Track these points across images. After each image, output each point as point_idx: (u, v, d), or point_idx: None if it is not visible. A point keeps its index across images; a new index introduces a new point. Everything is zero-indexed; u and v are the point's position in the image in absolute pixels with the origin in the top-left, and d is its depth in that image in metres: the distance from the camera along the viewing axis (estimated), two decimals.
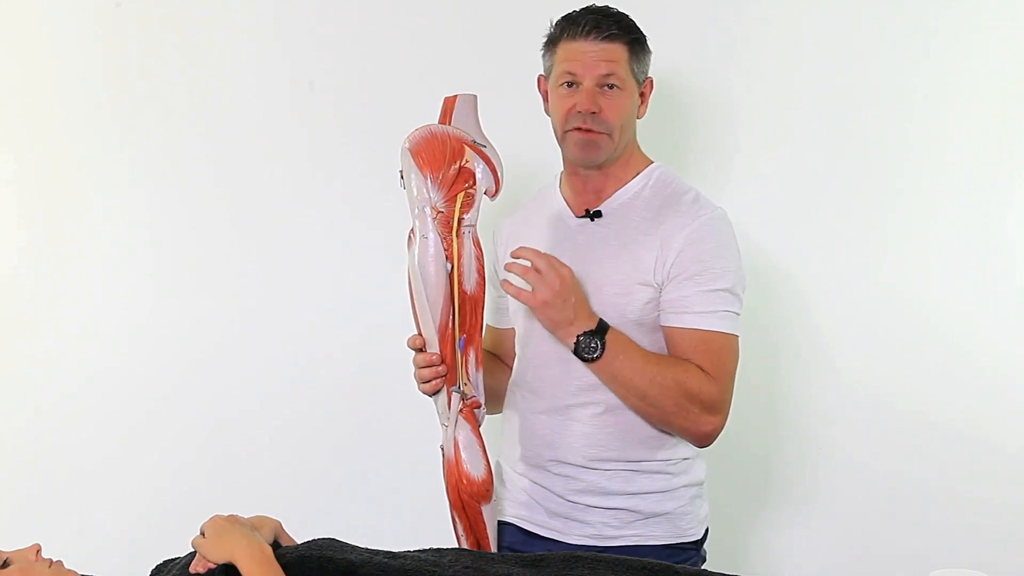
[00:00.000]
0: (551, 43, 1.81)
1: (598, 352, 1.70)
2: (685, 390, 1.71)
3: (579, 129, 1.76)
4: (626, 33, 1.76)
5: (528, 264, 1.68)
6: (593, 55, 1.74)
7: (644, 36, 1.80)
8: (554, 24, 1.81)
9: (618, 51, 1.75)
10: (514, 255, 1.71)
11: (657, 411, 1.74)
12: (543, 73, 1.86)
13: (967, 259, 2.29)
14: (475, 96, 1.81)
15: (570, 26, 1.77)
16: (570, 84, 1.76)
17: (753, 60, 2.36)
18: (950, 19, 2.27)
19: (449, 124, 1.77)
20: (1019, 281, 2.28)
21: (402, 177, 1.74)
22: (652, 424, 1.78)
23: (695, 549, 1.86)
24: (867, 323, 2.33)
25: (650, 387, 1.71)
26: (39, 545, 1.55)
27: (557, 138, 1.84)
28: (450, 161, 1.73)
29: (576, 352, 1.71)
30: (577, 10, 1.80)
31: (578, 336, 1.70)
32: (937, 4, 2.28)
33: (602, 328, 1.71)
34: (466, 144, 1.77)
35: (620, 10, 1.80)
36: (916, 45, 2.28)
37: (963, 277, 2.29)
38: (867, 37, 2.30)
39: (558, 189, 1.91)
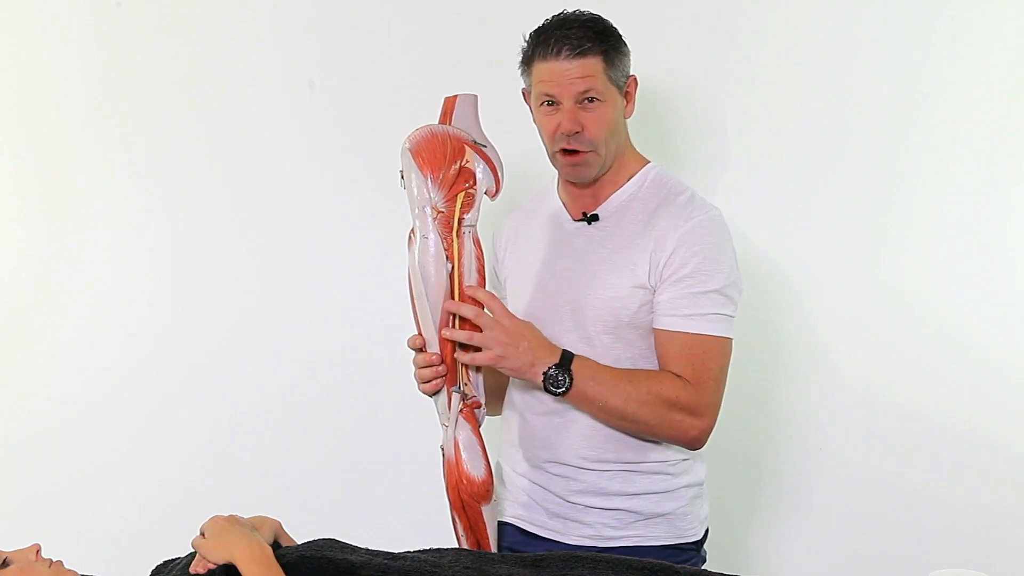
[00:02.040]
0: (526, 62, 1.77)
1: (565, 385, 1.71)
2: (662, 400, 1.71)
3: (565, 152, 1.75)
4: (599, 43, 1.71)
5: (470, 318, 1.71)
6: (568, 74, 1.70)
7: (619, 38, 1.75)
8: (527, 40, 1.77)
9: (592, 65, 1.70)
10: (448, 308, 1.72)
11: (640, 426, 1.75)
12: (525, 88, 1.83)
13: (966, 258, 2.29)
14: (475, 96, 1.81)
15: (540, 46, 1.72)
16: (550, 103, 1.74)
17: (751, 59, 2.35)
18: (950, 16, 2.27)
19: (449, 124, 1.77)
20: (1018, 280, 2.27)
21: (402, 177, 1.73)
22: (640, 438, 1.78)
23: (695, 550, 1.86)
24: (867, 323, 2.33)
25: (627, 405, 1.72)
26: (39, 545, 1.55)
27: (547, 155, 1.83)
28: (450, 161, 1.73)
29: (546, 389, 1.72)
30: (548, 20, 1.75)
31: (543, 374, 1.71)
32: (937, 2, 2.28)
33: (567, 359, 1.72)
34: (466, 144, 1.77)
35: (590, 13, 1.75)
36: (916, 44, 2.28)
37: (962, 276, 2.28)
38: (865, 35, 2.30)
39: (556, 192, 1.91)
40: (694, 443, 1.77)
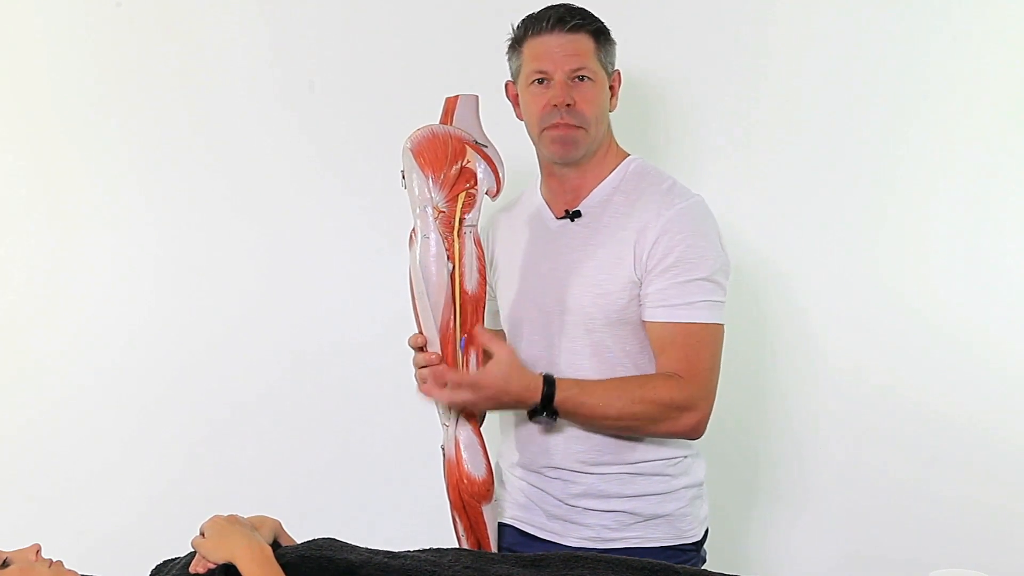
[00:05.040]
0: (516, 44, 1.81)
1: (552, 421, 1.74)
2: (658, 404, 1.71)
3: (555, 127, 1.76)
4: (590, 24, 1.76)
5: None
6: (561, 48, 1.74)
7: (607, 28, 1.79)
8: (516, 26, 1.81)
9: (585, 42, 1.75)
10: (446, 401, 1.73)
11: (639, 431, 1.76)
12: (510, 78, 1.85)
13: (962, 254, 2.29)
14: (477, 96, 1.81)
15: (533, 23, 1.77)
16: (541, 81, 1.76)
17: (746, 53, 2.35)
18: (950, 16, 2.27)
19: (451, 124, 1.77)
20: (1015, 277, 2.28)
21: (403, 177, 1.73)
22: (639, 437, 1.79)
23: (695, 550, 1.86)
24: (865, 322, 2.33)
25: (619, 420, 1.72)
26: (39, 545, 1.55)
27: (533, 140, 1.84)
28: (451, 161, 1.73)
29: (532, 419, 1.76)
30: (537, 10, 1.79)
31: (529, 412, 1.74)
32: (937, 2, 2.27)
33: (548, 395, 1.69)
34: (467, 144, 1.77)
35: (579, 6, 1.80)
36: (913, 40, 2.28)
37: (958, 273, 2.29)
38: (861, 29, 2.30)
39: (538, 191, 1.92)
40: (692, 433, 1.77)
